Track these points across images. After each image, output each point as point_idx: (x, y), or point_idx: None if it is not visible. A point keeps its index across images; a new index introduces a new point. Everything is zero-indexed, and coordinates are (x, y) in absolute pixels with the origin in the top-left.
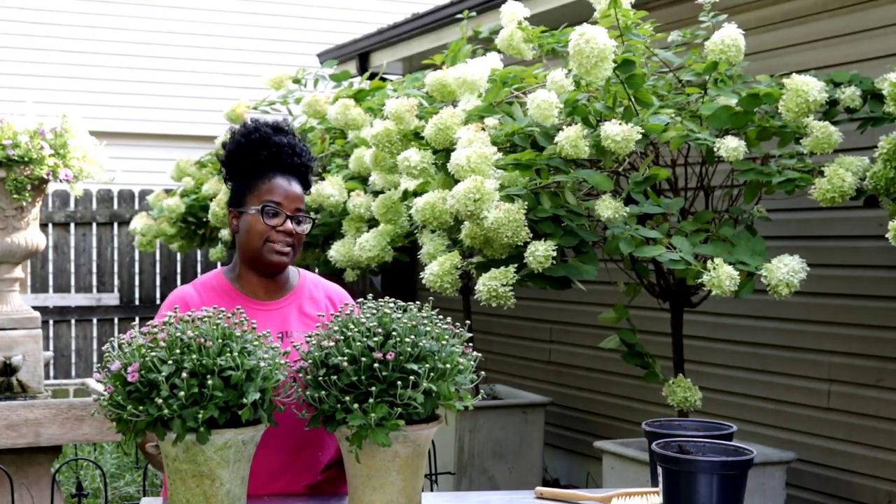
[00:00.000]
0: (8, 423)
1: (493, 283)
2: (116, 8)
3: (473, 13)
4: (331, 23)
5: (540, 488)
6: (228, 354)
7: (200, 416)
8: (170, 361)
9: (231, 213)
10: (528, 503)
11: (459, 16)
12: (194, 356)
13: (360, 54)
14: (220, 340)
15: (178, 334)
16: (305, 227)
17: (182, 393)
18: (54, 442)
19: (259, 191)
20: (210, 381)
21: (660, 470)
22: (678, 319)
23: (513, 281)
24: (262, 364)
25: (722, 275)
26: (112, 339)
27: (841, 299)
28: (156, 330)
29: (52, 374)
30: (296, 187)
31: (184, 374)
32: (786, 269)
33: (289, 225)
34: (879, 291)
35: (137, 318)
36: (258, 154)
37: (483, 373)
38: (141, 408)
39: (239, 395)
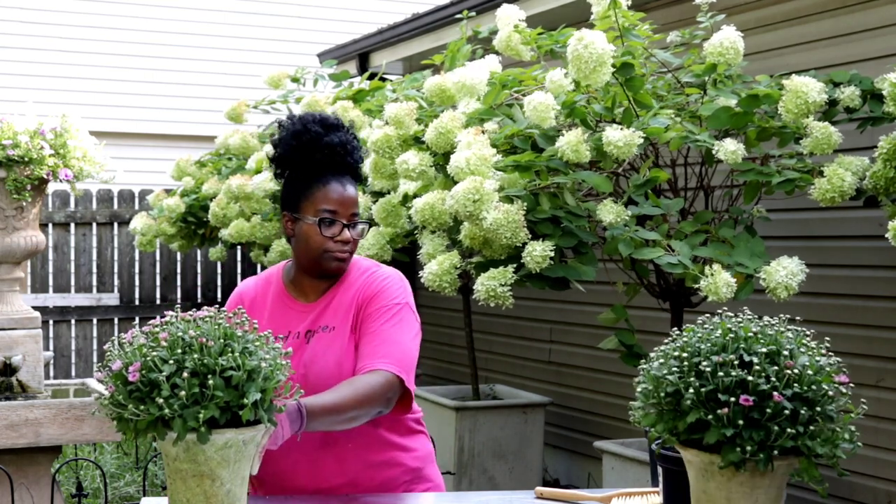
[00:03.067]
0: (8, 423)
1: (491, 283)
2: (116, 8)
3: (473, 13)
4: (331, 23)
5: (540, 488)
6: (230, 354)
7: (201, 415)
8: (171, 361)
9: (285, 217)
10: (529, 503)
11: (459, 16)
12: (195, 356)
13: (359, 54)
14: (221, 340)
15: (180, 334)
16: (362, 229)
17: (183, 392)
18: (54, 442)
19: (314, 198)
20: (211, 381)
21: (660, 470)
22: (678, 319)
23: (511, 281)
24: (263, 364)
25: (719, 281)
26: (113, 338)
27: (841, 299)
28: (157, 329)
29: (52, 374)
30: (350, 190)
31: (185, 374)
32: (784, 272)
33: (346, 234)
34: (879, 291)
35: (137, 318)
36: (311, 157)
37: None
38: (142, 407)
39: (240, 396)
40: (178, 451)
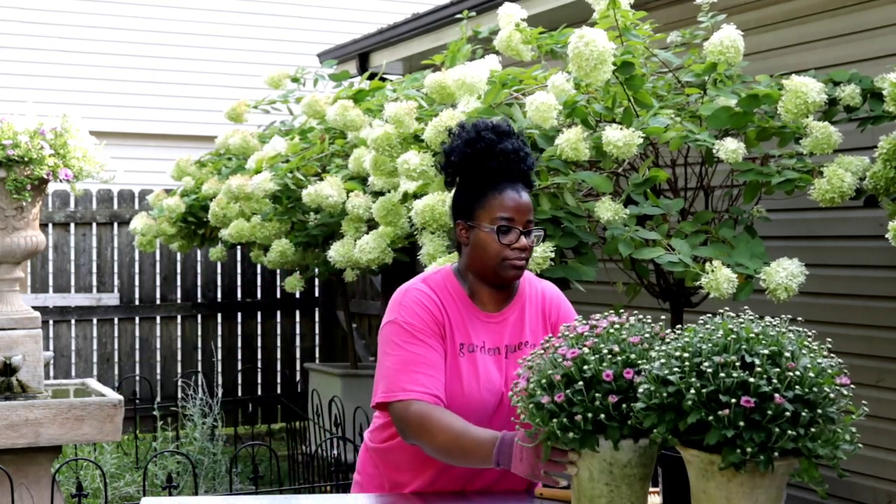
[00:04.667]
0: (8, 423)
1: None
2: (116, 8)
3: (473, 13)
4: (331, 23)
5: (540, 487)
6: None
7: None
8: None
9: (459, 225)
10: (528, 502)
11: (459, 16)
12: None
13: (359, 54)
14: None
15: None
16: (538, 236)
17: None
18: (54, 442)
19: (490, 206)
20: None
21: (659, 470)
22: (678, 319)
23: None
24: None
25: (720, 277)
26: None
27: (841, 299)
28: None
29: (52, 374)
30: (525, 197)
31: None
32: (784, 273)
33: (523, 241)
34: (879, 291)
35: (137, 318)
36: (485, 165)
37: None
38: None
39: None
40: (633, 456)
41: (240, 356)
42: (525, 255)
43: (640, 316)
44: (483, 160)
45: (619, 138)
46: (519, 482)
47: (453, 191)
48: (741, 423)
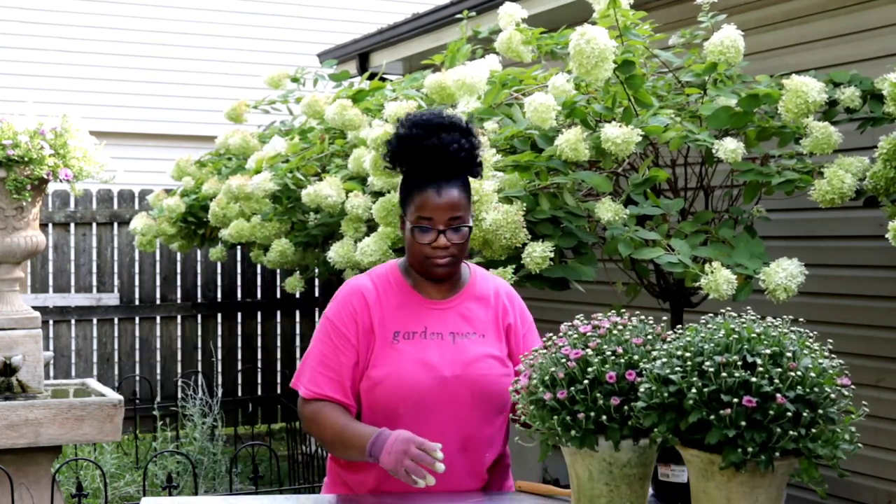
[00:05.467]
0: (8, 423)
1: None
2: (116, 8)
3: (473, 13)
4: (331, 23)
5: (520, 482)
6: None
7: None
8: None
9: (400, 218)
10: (509, 498)
11: (459, 16)
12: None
13: (359, 54)
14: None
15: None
16: (464, 232)
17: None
18: (54, 442)
19: (412, 205)
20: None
21: None
22: (678, 319)
23: (511, 282)
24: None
25: (720, 278)
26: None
27: (841, 299)
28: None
29: (52, 374)
30: (450, 194)
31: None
32: (784, 274)
33: (442, 240)
34: (879, 291)
35: (137, 318)
36: (413, 162)
37: None
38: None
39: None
40: (632, 456)
41: (240, 356)
42: (447, 252)
43: (643, 317)
44: (410, 158)
45: (618, 136)
46: (473, 483)
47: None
48: (742, 423)
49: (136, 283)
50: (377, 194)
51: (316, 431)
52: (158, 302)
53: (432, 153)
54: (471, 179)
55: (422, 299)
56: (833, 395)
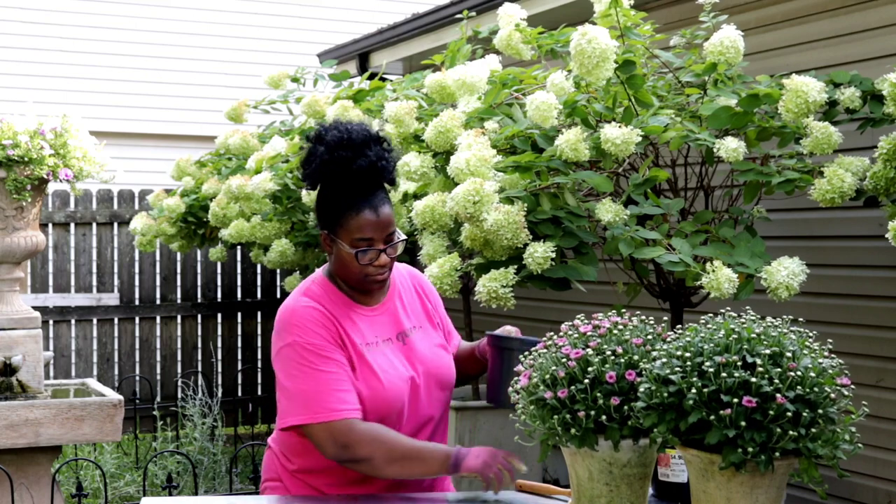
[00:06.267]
0: (8, 423)
1: (492, 285)
2: (116, 8)
3: (473, 13)
4: (331, 23)
5: (520, 481)
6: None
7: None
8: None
9: (323, 235)
10: (511, 496)
11: (459, 16)
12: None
13: (360, 54)
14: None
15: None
16: (399, 247)
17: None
18: (54, 442)
19: (348, 227)
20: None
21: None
22: (678, 319)
23: (512, 282)
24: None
25: (721, 277)
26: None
27: (841, 299)
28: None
29: (52, 374)
30: (384, 210)
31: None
32: (785, 272)
33: (383, 258)
34: (879, 291)
35: (137, 318)
36: (342, 185)
37: None
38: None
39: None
40: (633, 456)
41: (240, 356)
42: (386, 268)
43: (643, 317)
44: (338, 179)
45: (618, 136)
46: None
47: (315, 193)
48: (742, 423)
49: (136, 283)
50: None
51: (381, 449)
52: (158, 302)
53: (362, 175)
54: (471, 179)
55: (363, 308)
56: (833, 395)
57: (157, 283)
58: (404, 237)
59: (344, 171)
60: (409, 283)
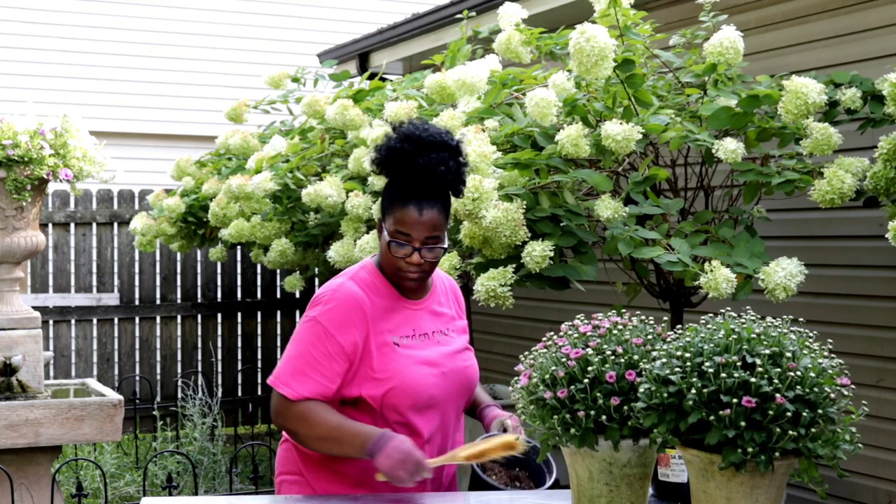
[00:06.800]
0: (8, 423)
1: (491, 284)
2: (116, 8)
3: (473, 13)
4: (331, 23)
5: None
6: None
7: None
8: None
9: (378, 221)
10: (529, 500)
11: (459, 16)
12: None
13: (360, 54)
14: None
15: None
16: (438, 254)
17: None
18: (54, 442)
19: (393, 217)
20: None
21: None
22: (678, 319)
23: (511, 281)
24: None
25: (719, 277)
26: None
27: (841, 299)
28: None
29: (52, 374)
30: (429, 214)
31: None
32: (783, 273)
33: (416, 257)
34: (879, 291)
35: (137, 318)
36: (399, 177)
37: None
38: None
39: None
40: (633, 456)
41: (240, 356)
42: (419, 269)
43: (643, 317)
44: (396, 172)
45: (619, 132)
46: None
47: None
48: (742, 423)
49: (136, 283)
50: (377, 194)
51: (305, 428)
52: (158, 302)
53: (419, 172)
54: (470, 176)
55: (405, 301)
56: (833, 395)
57: (157, 283)
58: (444, 247)
59: (403, 165)
60: (447, 288)
